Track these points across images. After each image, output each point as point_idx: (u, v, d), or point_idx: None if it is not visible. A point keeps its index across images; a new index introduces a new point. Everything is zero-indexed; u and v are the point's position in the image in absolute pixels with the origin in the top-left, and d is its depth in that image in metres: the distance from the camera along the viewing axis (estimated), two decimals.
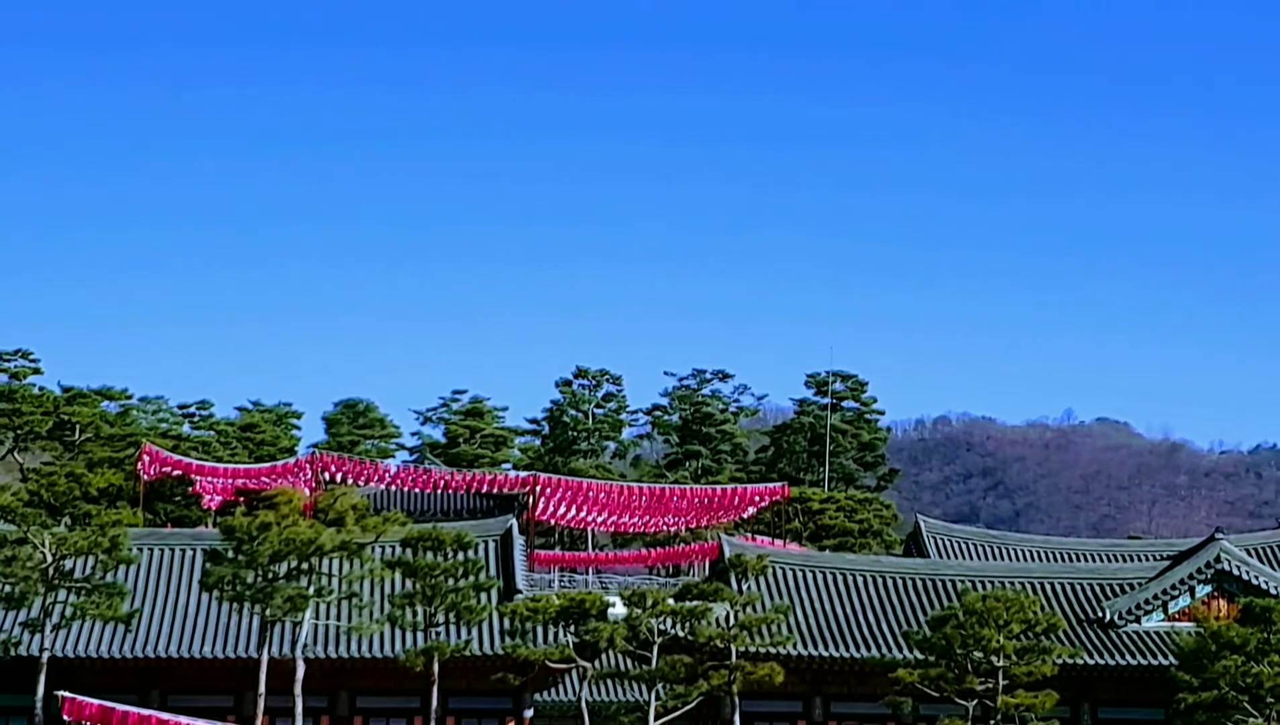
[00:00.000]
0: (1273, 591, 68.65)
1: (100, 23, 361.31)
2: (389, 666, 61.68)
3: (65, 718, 54.49)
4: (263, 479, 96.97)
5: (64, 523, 64.77)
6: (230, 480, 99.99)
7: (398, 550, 62.06)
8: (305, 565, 57.36)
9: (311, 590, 57.32)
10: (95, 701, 54.86)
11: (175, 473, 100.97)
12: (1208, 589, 70.34)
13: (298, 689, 56.94)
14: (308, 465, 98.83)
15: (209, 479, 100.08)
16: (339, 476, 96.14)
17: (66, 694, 54.88)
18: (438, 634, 59.22)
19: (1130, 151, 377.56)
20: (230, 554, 57.58)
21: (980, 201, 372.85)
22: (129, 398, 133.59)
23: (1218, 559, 70.58)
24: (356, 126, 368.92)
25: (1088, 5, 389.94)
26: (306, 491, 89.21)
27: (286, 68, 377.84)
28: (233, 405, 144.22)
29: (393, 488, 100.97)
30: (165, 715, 55.77)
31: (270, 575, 56.97)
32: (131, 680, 62.53)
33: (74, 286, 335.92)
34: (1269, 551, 79.26)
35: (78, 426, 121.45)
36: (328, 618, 59.89)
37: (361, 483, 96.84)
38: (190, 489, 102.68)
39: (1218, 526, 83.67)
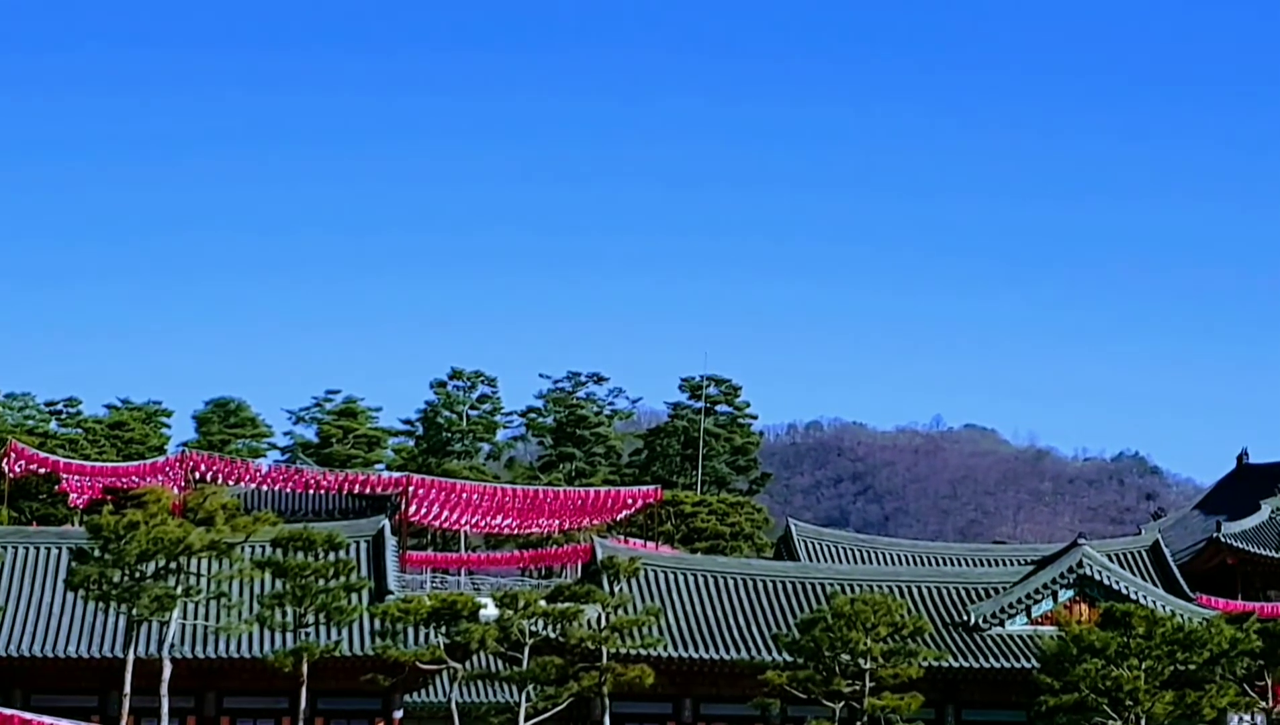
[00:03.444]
0: (1133, 596, 69.94)
1: None
2: (257, 667, 61.34)
3: None
4: (131, 477, 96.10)
5: None
6: (98, 478, 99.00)
7: (268, 550, 61.74)
8: (173, 565, 56.85)
9: (179, 590, 56.85)
10: None
11: (42, 470, 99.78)
12: (1070, 594, 71.52)
13: (164, 689, 56.45)
14: (177, 464, 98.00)
15: (76, 477, 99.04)
16: (209, 476, 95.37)
17: None
18: (307, 634, 58.98)
19: (1010, 150, 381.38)
20: (97, 553, 56.98)
21: (858, 201, 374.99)
22: None
23: (1080, 564, 71.82)
24: (206, 129, 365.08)
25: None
26: (176, 490, 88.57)
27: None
28: (102, 403, 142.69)
29: (264, 487, 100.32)
30: (28, 715, 55.03)
31: (137, 574, 56.44)
32: None
33: None
34: (1130, 557, 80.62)
35: None
36: (195, 618, 59.44)
37: (232, 482, 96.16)
38: (57, 487, 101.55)
39: (1080, 532, 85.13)
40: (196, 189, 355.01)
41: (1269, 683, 61.51)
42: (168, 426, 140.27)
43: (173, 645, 58.18)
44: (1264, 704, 61.80)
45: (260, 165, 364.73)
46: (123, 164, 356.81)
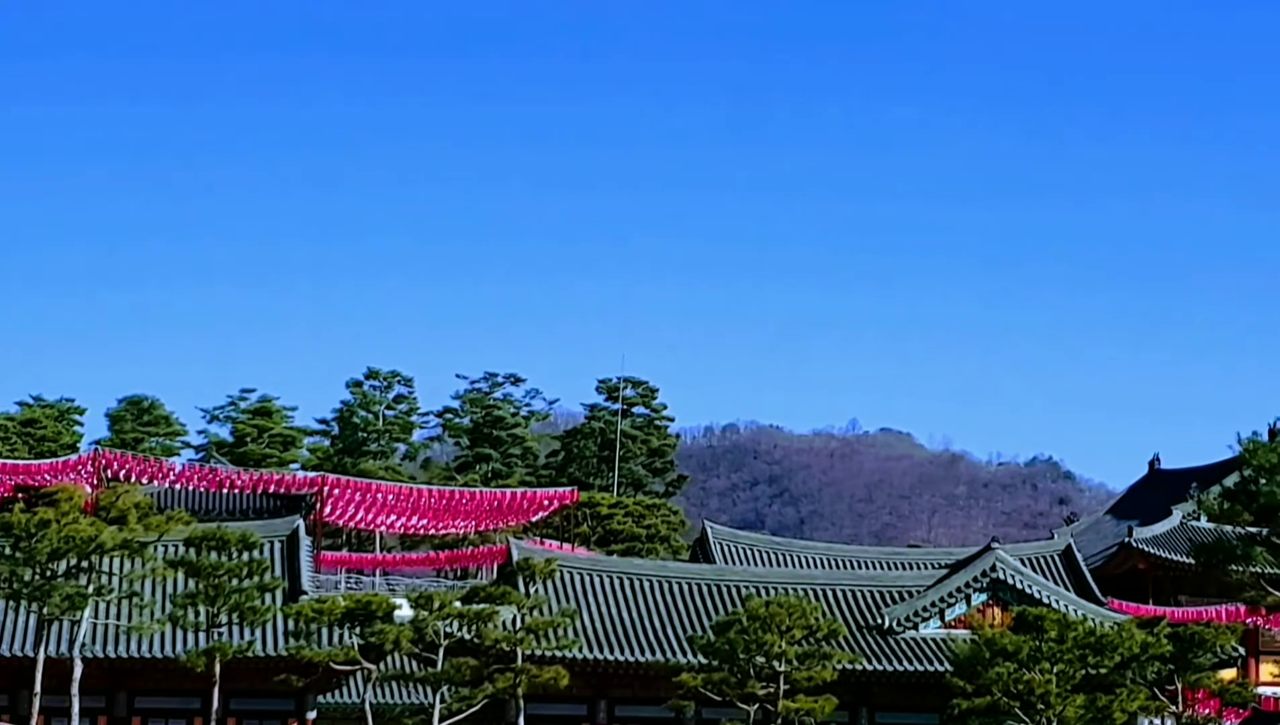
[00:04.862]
0: (1045, 600, 70.50)
1: None
2: (169, 667, 60.95)
3: None
4: (43, 475, 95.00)
5: None
6: (9, 476, 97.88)
7: (181, 549, 61.34)
8: (85, 563, 56.45)
9: (91, 589, 56.46)
10: None
11: None
12: (983, 597, 72.05)
13: (75, 689, 56.04)
14: (90, 462, 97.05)
15: None
16: (122, 474, 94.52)
17: None
18: (220, 634, 58.61)
19: (937, 148, 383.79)
20: (7, 551, 56.48)
21: (774, 202, 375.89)
22: None
23: (993, 568, 72.36)
24: (117, 136, 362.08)
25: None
26: (88, 489, 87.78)
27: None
28: (13, 400, 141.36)
29: (178, 486, 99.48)
30: None
31: (48, 573, 56.00)
32: None
33: None
34: (1042, 562, 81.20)
35: None
36: (107, 617, 59.05)
37: (145, 481, 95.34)
38: None
39: (994, 536, 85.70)
40: (111, 192, 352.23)
41: (1179, 687, 62.08)
42: (80, 424, 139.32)
43: (84, 645, 57.73)
44: (1174, 708, 62.36)
45: (174, 169, 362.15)
46: (35, 166, 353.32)
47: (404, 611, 59.67)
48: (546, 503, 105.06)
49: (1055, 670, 58.65)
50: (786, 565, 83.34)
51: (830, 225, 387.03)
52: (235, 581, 58.27)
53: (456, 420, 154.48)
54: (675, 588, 70.98)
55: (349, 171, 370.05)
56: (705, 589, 71.12)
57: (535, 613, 60.17)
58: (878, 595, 72.46)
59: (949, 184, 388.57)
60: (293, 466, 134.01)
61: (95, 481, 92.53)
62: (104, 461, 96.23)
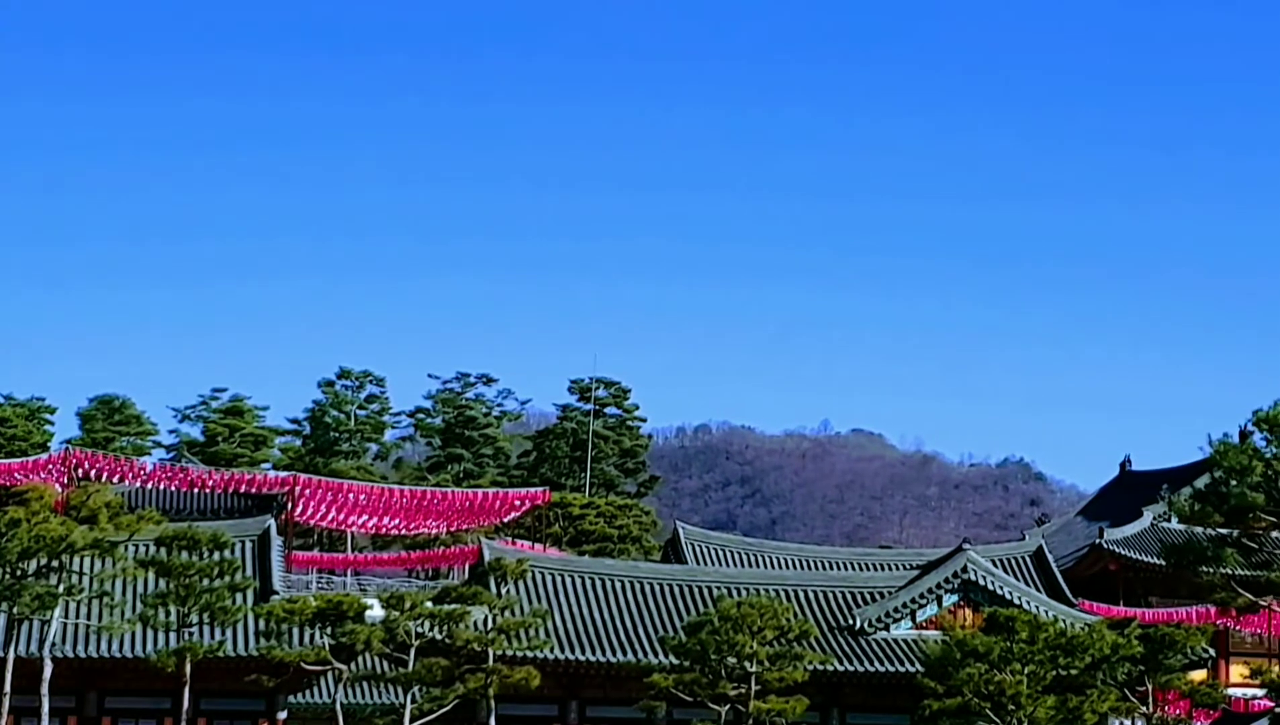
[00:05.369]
0: (1016, 601, 70.70)
1: None
2: (140, 667, 60.80)
3: None
4: (14, 475, 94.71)
5: None
6: None
7: (152, 549, 61.27)
8: (56, 563, 56.34)
9: (61, 588, 56.34)
10: None
11: None
12: (954, 598, 72.23)
13: (45, 688, 55.91)
14: (61, 462, 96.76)
15: None
16: (93, 473, 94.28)
17: None
18: (191, 634, 58.52)
19: (919, 147, 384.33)
20: None
21: (747, 200, 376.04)
22: None
23: (964, 569, 72.54)
24: (91, 135, 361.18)
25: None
26: (59, 488, 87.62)
27: None
28: None
29: (149, 486, 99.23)
30: None
31: (19, 572, 55.87)
32: None
33: None
34: (1014, 563, 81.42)
35: None
36: (78, 616, 58.92)
37: (116, 480, 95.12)
38: None
39: (965, 537, 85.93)
40: (83, 188, 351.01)
41: (1149, 688, 62.30)
42: (51, 423, 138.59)
43: (54, 644, 57.59)
44: (1144, 709, 62.58)
45: (144, 167, 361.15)
46: (9, 163, 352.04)
47: (375, 612, 59.64)
48: (518, 503, 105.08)
49: (1026, 671, 58.82)
50: (758, 566, 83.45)
51: (804, 226, 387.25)
52: (206, 581, 58.18)
53: (428, 420, 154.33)
54: (647, 588, 71.02)
55: (321, 170, 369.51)
56: (677, 590, 71.18)
57: (507, 613, 60.16)
58: (849, 596, 72.59)
59: (922, 183, 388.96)
60: (264, 466, 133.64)
61: (66, 481, 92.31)
62: (75, 461, 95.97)
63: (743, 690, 58.65)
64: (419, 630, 57.98)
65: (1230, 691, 75.77)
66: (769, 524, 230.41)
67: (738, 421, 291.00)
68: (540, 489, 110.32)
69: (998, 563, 78.26)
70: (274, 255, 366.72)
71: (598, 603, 69.70)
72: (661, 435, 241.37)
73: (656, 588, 71.13)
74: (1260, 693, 68.80)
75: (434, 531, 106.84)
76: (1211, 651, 70.85)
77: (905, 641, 69.91)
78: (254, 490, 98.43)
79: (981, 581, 72.30)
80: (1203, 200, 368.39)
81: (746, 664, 58.73)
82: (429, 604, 58.78)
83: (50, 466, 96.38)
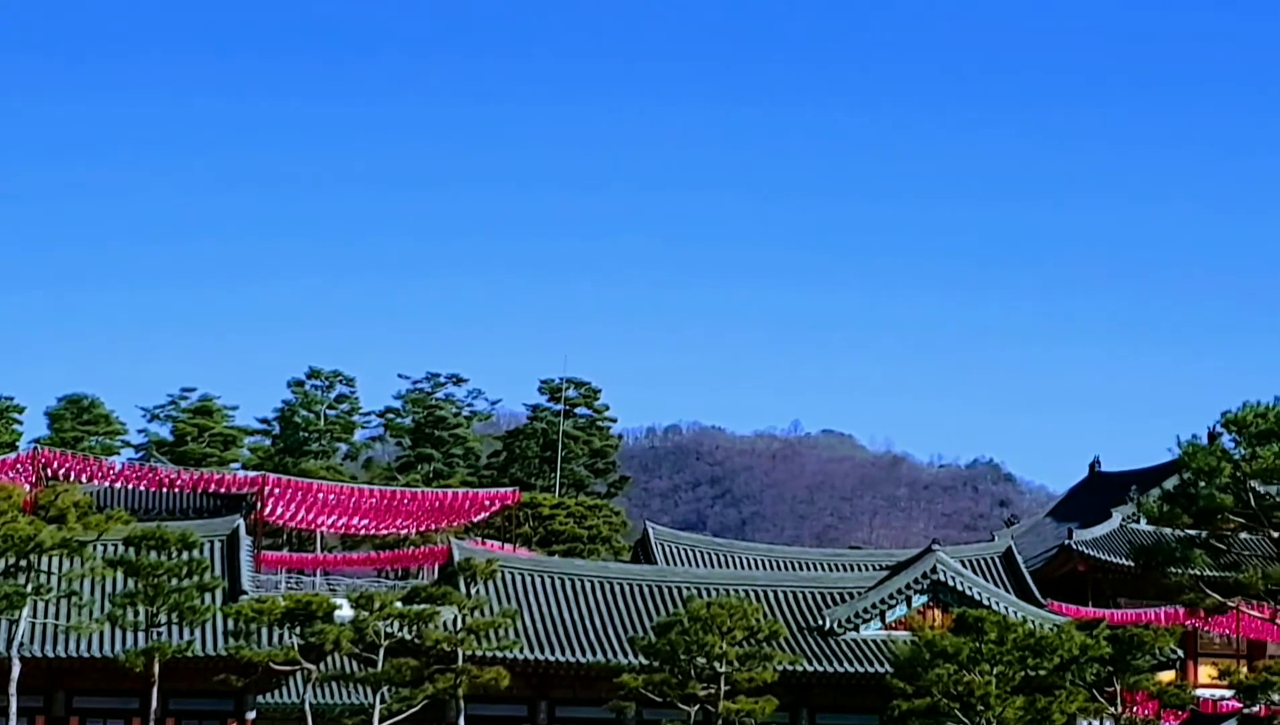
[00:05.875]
0: (985, 602, 70.84)
1: None
2: (108, 666, 60.60)
3: None
4: None
5: None
6: None
7: (120, 549, 61.05)
8: (23, 562, 56.15)
9: (29, 588, 56.15)
10: None
11: None
12: (924, 599, 72.35)
13: (12, 688, 55.72)
14: (29, 461, 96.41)
15: None
16: (61, 473, 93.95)
17: None
18: (159, 634, 58.37)
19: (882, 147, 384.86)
20: None
21: (717, 200, 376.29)
22: None
23: (934, 570, 72.66)
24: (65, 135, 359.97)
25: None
26: (27, 487, 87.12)
27: None
28: None
29: (117, 485, 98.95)
30: None
31: None
32: None
33: None
34: (983, 563, 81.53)
35: None
36: (46, 616, 58.72)
37: (85, 480, 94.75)
38: None
39: (934, 538, 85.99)
40: (55, 190, 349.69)
41: (1118, 688, 62.48)
42: (19, 423, 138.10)
43: (22, 644, 57.37)
44: (1113, 709, 62.76)
45: (123, 168, 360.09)
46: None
47: (344, 611, 59.54)
48: (488, 503, 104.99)
49: (995, 672, 58.95)
50: (728, 566, 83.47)
51: (776, 227, 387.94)
52: (175, 581, 58.04)
53: (398, 420, 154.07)
54: (616, 588, 71.00)
55: (293, 170, 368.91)
56: (646, 590, 71.17)
57: (476, 613, 60.10)
58: (819, 596, 72.67)
59: (897, 183, 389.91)
60: (233, 466, 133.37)
61: (34, 480, 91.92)
62: (43, 460, 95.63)
63: (712, 690, 58.67)
64: (388, 630, 57.90)
65: (1198, 692, 76.05)
66: (739, 524, 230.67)
67: (708, 422, 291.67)
68: (510, 489, 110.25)
69: (967, 563, 78.40)
70: (244, 256, 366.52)
71: (567, 603, 69.66)
72: (632, 435, 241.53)
73: (626, 588, 71.12)
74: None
75: (404, 531, 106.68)
76: (1180, 652, 71.04)
77: (874, 642, 70.00)
78: (223, 490, 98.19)
79: (951, 582, 72.44)
80: (1191, 201, 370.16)
81: (716, 664, 58.76)
82: (398, 604, 58.69)
83: (18, 466, 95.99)
